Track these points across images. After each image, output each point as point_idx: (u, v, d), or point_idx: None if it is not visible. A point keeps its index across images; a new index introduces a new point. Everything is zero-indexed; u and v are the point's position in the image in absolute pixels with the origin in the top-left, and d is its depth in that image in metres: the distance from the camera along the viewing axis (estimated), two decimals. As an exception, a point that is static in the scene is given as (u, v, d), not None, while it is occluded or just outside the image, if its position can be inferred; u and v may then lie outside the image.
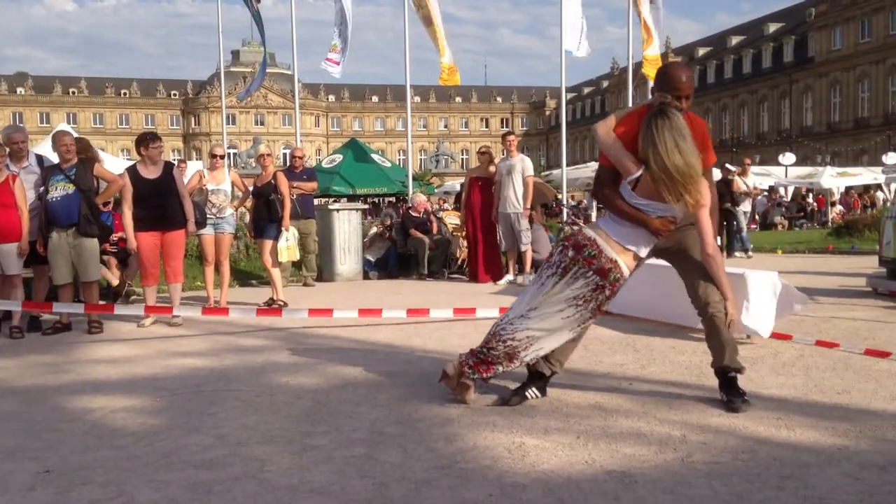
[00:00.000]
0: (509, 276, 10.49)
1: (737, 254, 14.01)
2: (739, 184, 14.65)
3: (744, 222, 14.76)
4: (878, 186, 32.97)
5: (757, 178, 18.79)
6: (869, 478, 2.87)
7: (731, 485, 2.84)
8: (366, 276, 11.69)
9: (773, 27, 67.94)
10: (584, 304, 3.75)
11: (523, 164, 10.29)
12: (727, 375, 3.90)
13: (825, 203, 32.60)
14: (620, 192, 3.77)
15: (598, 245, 3.71)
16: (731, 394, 3.85)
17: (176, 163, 9.61)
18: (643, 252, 3.78)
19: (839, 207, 31.57)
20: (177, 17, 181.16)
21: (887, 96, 54.16)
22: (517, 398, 3.99)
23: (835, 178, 32.52)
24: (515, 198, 10.17)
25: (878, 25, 54.13)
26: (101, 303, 7.75)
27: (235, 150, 57.22)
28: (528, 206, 10.28)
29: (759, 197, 15.25)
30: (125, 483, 3.00)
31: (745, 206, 15.14)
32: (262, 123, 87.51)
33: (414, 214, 12.37)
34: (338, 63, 15.93)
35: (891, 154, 35.07)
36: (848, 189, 34.62)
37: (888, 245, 8.38)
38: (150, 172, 7.15)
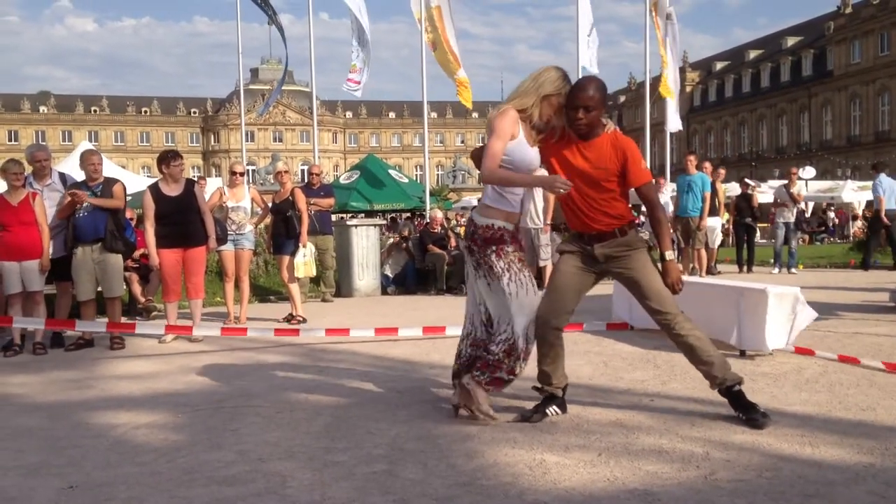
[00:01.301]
0: None
1: (775, 270, 13.36)
2: (757, 198, 14.37)
3: (781, 237, 13.69)
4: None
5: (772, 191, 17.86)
6: (895, 496, 2.83)
7: (756, 503, 2.81)
8: (384, 292, 11.72)
9: (791, 41, 67.66)
10: (511, 274, 3.87)
11: None
12: (732, 391, 3.87)
13: (847, 217, 32.32)
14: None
15: (472, 221, 3.97)
16: (746, 410, 3.82)
17: (196, 180, 9.71)
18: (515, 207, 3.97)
19: (860, 222, 31.26)
20: (196, 36, 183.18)
21: (908, 109, 53.72)
22: (538, 415, 3.98)
23: (856, 192, 32.24)
24: (536, 213, 10.16)
25: (897, 38, 53.80)
26: (123, 319, 7.84)
27: (254, 167, 57.60)
28: (549, 222, 10.25)
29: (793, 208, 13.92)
30: (147, 499, 3.02)
31: (788, 217, 13.72)
32: (280, 140, 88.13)
33: (432, 230, 12.41)
34: (359, 83, 16.10)
35: (912, 167, 34.74)
36: (869, 203, 34.28)
37: (911, 260, 8.29)
38: (172, 190, 7.23)
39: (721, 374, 3.87)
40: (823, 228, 30.61)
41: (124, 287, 8.52)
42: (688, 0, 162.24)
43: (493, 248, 3.87)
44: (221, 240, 7.84)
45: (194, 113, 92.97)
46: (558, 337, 4.03)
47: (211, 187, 11.98)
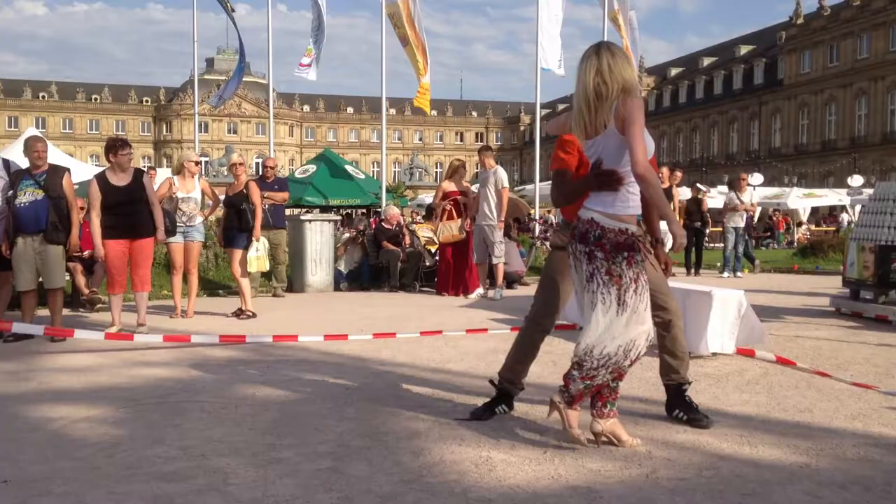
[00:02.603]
0: (480, 290, 10.51)
1: (724, 274, 13.62)
2: (707, 202, 14.64)
3: (732, 241, 13.84)
4: (843, 208, 33.62)
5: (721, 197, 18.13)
6: (829, 496, 2.91)
7: (695, 501, 2.86)
8: (337, 288, 11.65)
9: (744, 49, 69.12)
10: (638, 286, 3.42)
11: (496, 177, 10.35)
12: (681, 389, 3.93)
13: (787, 223, 33.21)
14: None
15: (597, 224, 3.43)
16: (691, 410, 3.89)
17: (146, 170, 9.52)
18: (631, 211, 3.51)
19: (805, 228, 32.13)
20: (149, 23, 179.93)
21: (854, 120, 55.29)
22: (487, 413, 3.99)
23: (801, 199, 33.14)
24: (489, 210, 10.21)
25: (845, 50, 55.31)
26: (66, 311, 7.66)
27: (207, 159, 56.72)
28: (502, 219, 10.31)
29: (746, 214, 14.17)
30: (84, 495, 2.96)
31: (738, 222, 13.88)
32: (235, 132, 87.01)
33: (387, 227, 12.37)
34: (309, 65, 16.01)
35: (856, 177, 35.82)
36: (814, 210, 35.27)
37: (852, 266, 8.53)
38: (120, 179, 7.08)
39: (684, 371, 3.94)
40: (770, 234, 31.33)
41: (67, 278, 8.32)
42: (644, 6, 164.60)
43: (625, 254, 3.41)
44: (170, 231, 7.71)
45: (146, 101, 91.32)
46: (543, 339, 4.08)
47: (161, 178, 11.77)
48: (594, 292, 3.41)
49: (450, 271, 10.79)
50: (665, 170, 13.09)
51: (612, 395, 3.53)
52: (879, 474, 3.14)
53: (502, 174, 10.43)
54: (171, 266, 8.52)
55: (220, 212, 8.95)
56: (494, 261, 10.35)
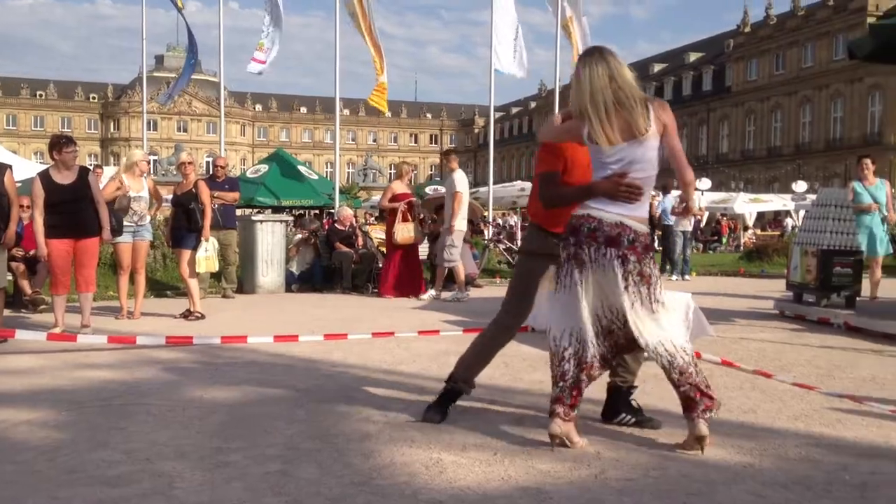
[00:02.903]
0: (432, 292, 10.51)
1: (672, 277, 13.81)
2: (656, 208, 14.88)
3: (680, 244, 14.09)
4: (788, 213, 34.49)
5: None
6: (772, 495, 2.98)
7: (642, 502, 2.90)
8: (288, 289, 11.54)
9: (693, 56, 70.47)
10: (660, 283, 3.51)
11: (451, 180, 10.39)
12: (629, 392, 3.96)
13: (728, 228, 34.01)
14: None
15: (628, 227, 3.43)
16: (637, 413, 3.92)
17: (92, 168, 9.31)
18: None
19: (751, 232, 32.86)
20: (97, 18, 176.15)
21: (798, 127, 56.76)
22: (438, 416, 3.98)
23: (747, 204, 33.92)
24: (446, 213, 10.31)
25: (791, 59, 56.76)
26: (8, 311, 7.46)
27: (156, 157, 55.78)
28: (453, 223, 10.30)
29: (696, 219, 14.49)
30: (25, 499, 2.87)
31: (686, 226, 14.19)
32: (185, 130, 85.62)
33: (339, 228, 12.30)
34: (263, 62, 15.82)
35: (800, 182, 36.81)
36: (760, 215, 36.11)
37: (795, 270, 8.76)
38: (64, 178, 6.91)
39: (635, 376, 3.97)
40: (716, 238, 31.98)
41: (9, 277, 8.09)
42: (595, 12, 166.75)
43: (651, 255, 3.50)
44: (116, 231, 7.55)
45: (93, 98, 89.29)
46: (506, 344, 4.13)
47: (109, 177, 11.52)
48: (631, 293, 3.44)
49: (395, 273, 10.75)
50: None
51: (580, 396, 3.55)
52: (820, 474, 3.22)
53: (457, 178, 10.44)
54: (117, 266, 8.35)
55: (167, 211, 8.81)
56: (446, 265, 10.37)
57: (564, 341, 3.54)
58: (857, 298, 8.31)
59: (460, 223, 10.29)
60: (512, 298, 4.04)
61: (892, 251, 9.72)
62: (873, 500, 2.94)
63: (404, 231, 10.57)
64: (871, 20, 37.22)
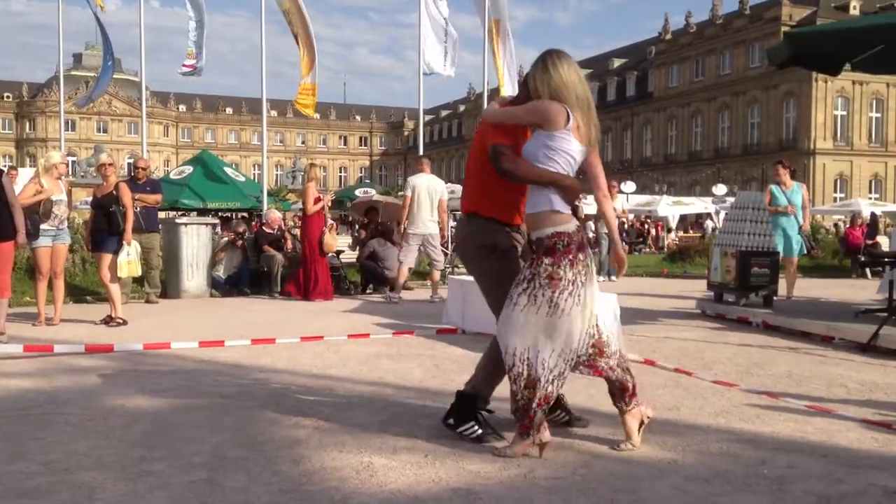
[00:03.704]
0: (395, 294, 10.45)
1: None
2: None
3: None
4: (709, 215, 35.58)
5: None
6: (694, 490, 3.06)
7: (569, 499, 2.94)
8: (214, 293, 11.30)
9: (617, 62, 72.02)
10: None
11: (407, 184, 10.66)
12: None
13: (642, 228, 34.96)
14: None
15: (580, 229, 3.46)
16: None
17: (6, 169, 8.93)
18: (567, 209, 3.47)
19: (674, 234, 33.76)
20: (9, 14, 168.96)
21: (717, 132, 58.65)
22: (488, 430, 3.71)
23: (670, 207, 34.89)
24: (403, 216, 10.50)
25: (710, 66, 58.61)
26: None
27: (75, 159, 53.91)
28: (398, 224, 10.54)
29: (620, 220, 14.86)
30: (-67, 518, 2.74)
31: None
32: (105, 131, 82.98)
33: (267, 230, 12.13)
34: (193, 67, 15.59)
35: (720, 185, 38.04)
36: (682, 217, 37.14)
37: (715, 271, 9.04)
38: (-24, 179, 6.62)
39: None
40: (641, 239, 32.74)
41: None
42: (521, 16, 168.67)
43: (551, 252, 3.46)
44: (31, 235, 7.26)
45: (7, 97, 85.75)
46: None
47: (24, 178, 11.08)
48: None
49: (325, 278, 10.75)
50: None
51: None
52: (740, 468, 3.33)
53: (409, 181, 10.55)
54: (35, 271, 8.04)
55: (85, 214, 8.55)
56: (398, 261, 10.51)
57: (552, 361, 3.42)
58: (774, 298, 8.63)
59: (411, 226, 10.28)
60: (496, 303, 3.65)
61: (805, 251, 10.12)
62: (790, 492, 3.05)
63: (331, 240, 11.04)
64: (784, 29, 38.86)
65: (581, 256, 3.42)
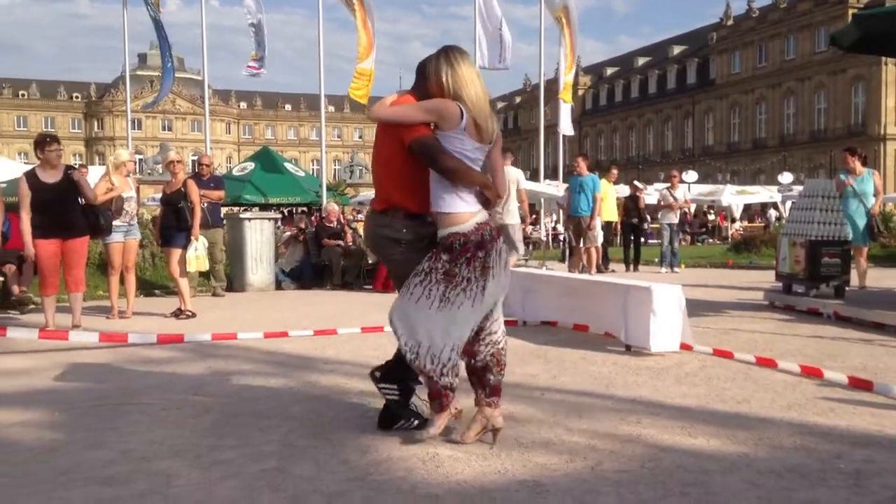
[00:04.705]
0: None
1: (662, 269, 13.85)
2: (644, 199, 14.93)
3: (667, 237, 14.14)
4: (774, 204, 34.68)
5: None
6: (767, 484, 3.00)
7: (638, 492, 2.91)
8: (278, 286, 11.51)
9: (676, 49, 70.63)
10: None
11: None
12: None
13: (721, 219, 34.14)
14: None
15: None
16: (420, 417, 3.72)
17: (77, 167, 9.25)
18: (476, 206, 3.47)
19: (738, 224, 33.02)
20: (76, 18, 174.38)
21: (783, 119, 57.08)
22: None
23: (734, 196, 34.08)
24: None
25: (773, 51, 57.04)
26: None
27: (141, 156, 55.47)
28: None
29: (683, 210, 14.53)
30: (22, 501, 2.86)
31: (672, 219, 14.24)
32: (169, 129, 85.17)
33: (327, 224, 12.28)
34: (258, 69, 15.95)
35: (786, 174, 37.02)
36: (747, 206, 36.29)
37: (784, 261, 8.80)
38: (50, 176, 6.87)
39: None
40: (704, 230, 32.10)
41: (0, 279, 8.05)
42: (577, 5, 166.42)
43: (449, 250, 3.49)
44: (105, 231, 7.51)
45: (76, 98, 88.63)
46: None
47: (94, 176, 11.45)
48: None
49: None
50: (615, 171, 13.48)
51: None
52: (815, 462, 3.25)
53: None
54: (108, 266, 8.31)
55: (154, 210, 8.80)
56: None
57: (444, 356, 3.47)
58: (847, 288, 8.36)
59: None
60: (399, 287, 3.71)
61: (871, 240, 9.75)
62: (868, 487, 2.96)
63: None
64: (852, 12, 37.51)
65: (480, 254, 3.43)
